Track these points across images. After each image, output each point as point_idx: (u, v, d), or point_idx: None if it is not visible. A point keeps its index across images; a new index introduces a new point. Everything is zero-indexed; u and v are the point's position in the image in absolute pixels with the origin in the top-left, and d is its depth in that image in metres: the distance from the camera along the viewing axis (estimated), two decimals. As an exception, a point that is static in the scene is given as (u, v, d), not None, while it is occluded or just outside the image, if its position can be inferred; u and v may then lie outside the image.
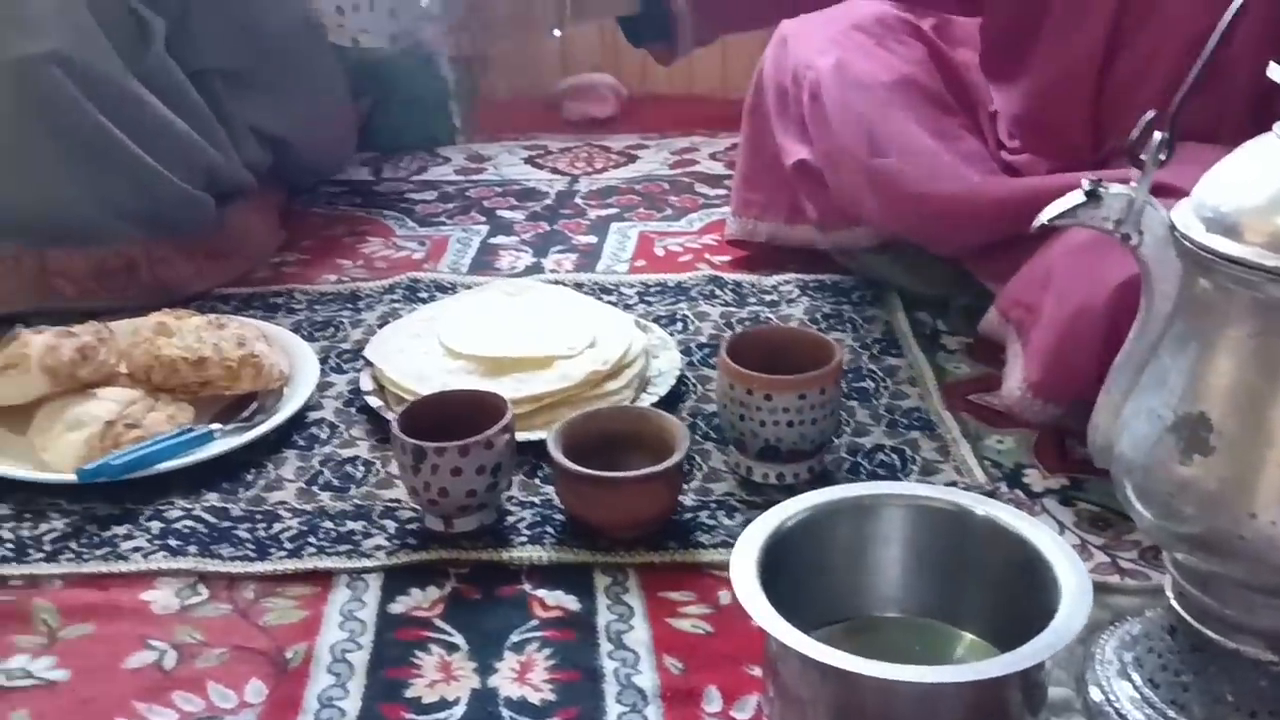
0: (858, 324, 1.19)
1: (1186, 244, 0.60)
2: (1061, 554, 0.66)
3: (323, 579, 0.85)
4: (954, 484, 0.93)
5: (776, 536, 0.70)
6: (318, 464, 0.98)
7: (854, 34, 1.28)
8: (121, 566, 0.86)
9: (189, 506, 0.92)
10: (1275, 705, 0.64)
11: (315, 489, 0.95)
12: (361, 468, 0.98)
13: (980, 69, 1.24)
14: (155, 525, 0.90)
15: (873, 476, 0.95)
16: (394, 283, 1.29)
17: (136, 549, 0.87)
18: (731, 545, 0.85)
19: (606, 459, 0.89)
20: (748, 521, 0.88)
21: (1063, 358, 0.90)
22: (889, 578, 0.73)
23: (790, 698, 0.64)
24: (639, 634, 0.79)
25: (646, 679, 0.75)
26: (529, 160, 1.72)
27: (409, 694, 0.74)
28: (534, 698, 0.74)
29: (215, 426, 0.99)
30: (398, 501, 0.93)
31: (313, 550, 0.87)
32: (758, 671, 0.74)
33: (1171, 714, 0.66)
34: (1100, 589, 0.73)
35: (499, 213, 1.52)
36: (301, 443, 1.01)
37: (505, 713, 0.73)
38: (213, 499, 0.93)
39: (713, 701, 0.73)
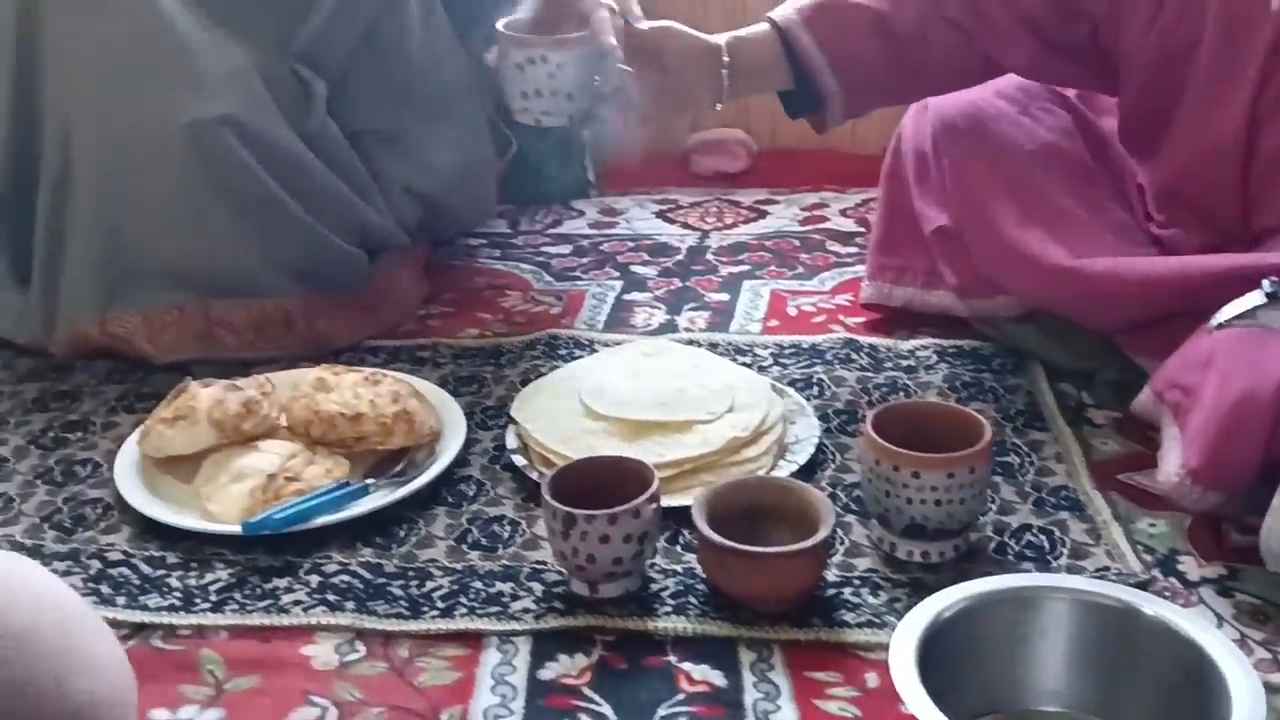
0: (999, 394, 1.18)
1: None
2: (1233, 659, 0.65)
3: (473, 640, 0.87)
4: (1106, 569, 0.91)
5: (935, 624, 0.70)
6: (466, 522, 1.01)
7: (997, 101, 1.27)
8: (283, 620, 0.89)
9: (345, 561, 0.96)
10: None
11: (464, 547, 0.97)
12: (508, 527, 1.00)
13: (1120, 142, 1.22)
14: (314, 579, 0.93)
15: (1020, 558, 0.93)
16: (535, 339, 1.32)
17: (297, 602, 0.91)
18: (877, 625, 0.86)
19: (748, 530, 0.90)
20: (892, 600, 0.89)
21: (1225, 446, 0.88)
22: (1048, 671, 0.72)
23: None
24: (786, 714, 0.79)
25: (794, 760, 0.75)
26: (660, 214, 1.74)
27: (561, 763, 0.76)
28: (683, 773, 0.74)
29: (370, 481, 1.03)
30: (544, 563, 0.95)
31: (464, 611, 0.90)
32: (908, 759, 0.73)
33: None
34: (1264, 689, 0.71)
35: (632, 268, 1.55)
36: (450, 499, 1.04)
37: (655, 787, 0.74)
38: (367, 554, 0.97)
39: (862, 787, 0.73)
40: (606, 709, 0.80)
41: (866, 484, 0.94)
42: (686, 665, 0.84)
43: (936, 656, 0.68)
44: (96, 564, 0.96)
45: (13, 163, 1.27)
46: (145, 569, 0.95)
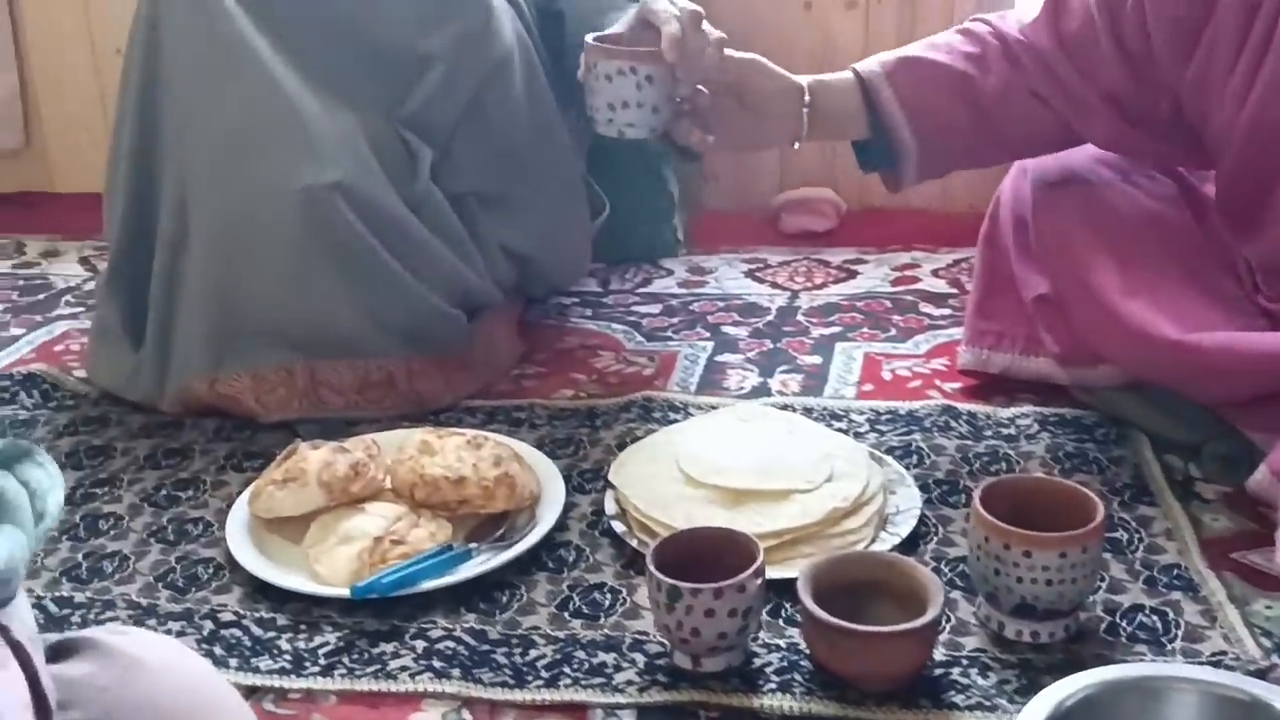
0: (1104, 465, 1.16)
1: None
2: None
3: (578, 711, 0.87)
4: (1223, 654, 0.89)
5: (1057, 713, 0.69)
6: (567, 589, 1.01)
7: (1099, 168, 1.27)
8: (391, 686, 0.90)
9: (450, 627, 0.97)
10: None
11: (566, 615, 0.98)
12: (609, 595, 1.00)
13: (1219, 216, 1.20)
14: (420, 644, 0.95)
15: (1133, 639, 0.91)
16: (629, 400, 1.33)
17: (404, 668, 0.92)
18: (988, 708, 0.85)
19: (852, 605, 0.89)
20: (1002, 682, 0.88)
21: (1350, 532, 0.85)
22: (1173, 765, 0.70)
23: None
24: (898, 799, 0.78)
25: None
26: (749, 274, 1.75)
27: (669, 842, 0.75)
28: None
29: (473, 545, 1.04)
30: (646, 634, 0.95)
31: (568, 681, 0.90)
32: None
33: None
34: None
35: (723, 328, 1.55)
36: (551, 565, 1.05)
37: None
38: (471, 619, 0.98)
39: None
40: (714, 788, 0.80)
41: (974, 561, 0.93)
42: (793, 744, 0.83)
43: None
44: (209, 624, 0.98)
45: (131, 225, 1.32)
46: (256, 630, 0.97)
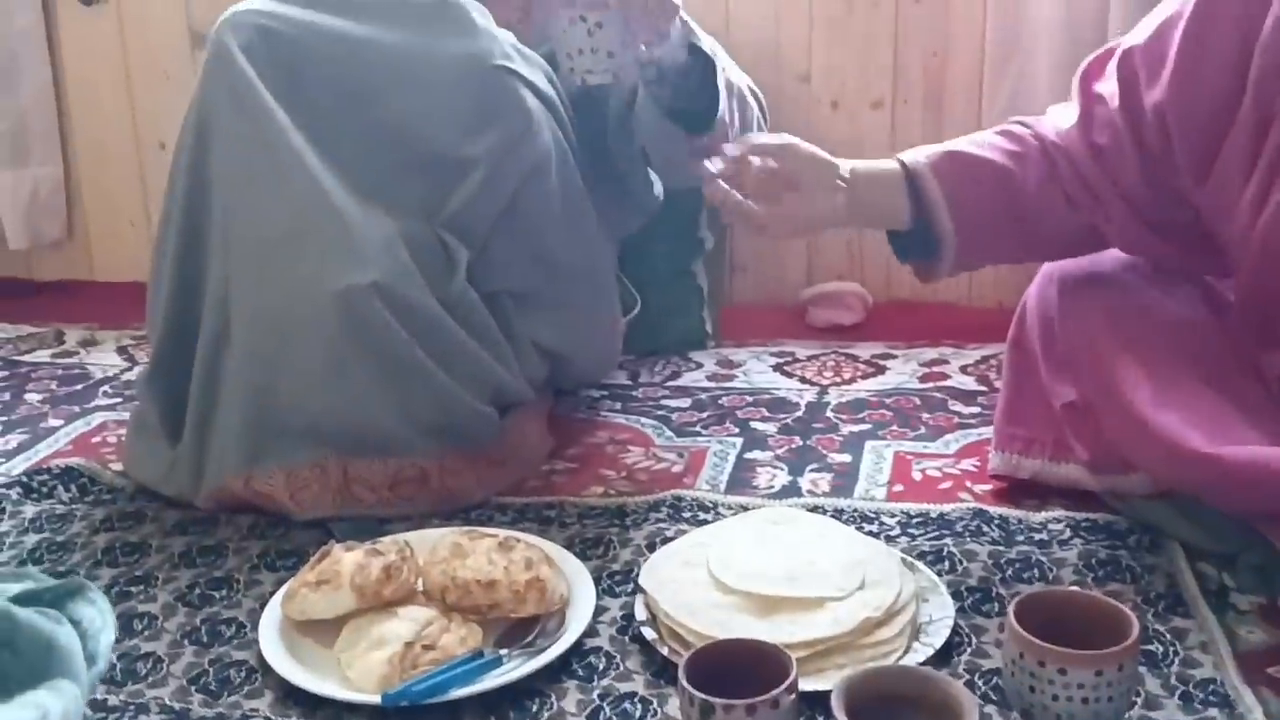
0: (1137, 573, 1.15)
1: None
2: None
3: (610, 827, 0.87)
4: (1264, 778, 0.87)
5: None
6: (598, 698, 1.01)
7: (1124, 272, 1.28)
8: (422, 797, 0.90)
9: (481, 735, 0.96)
10: None
11: (597, 726, 0.97)
12: (640, 705, 1.00)
13: (1239, 324, 1.20)
14: (451, 754, 0.94)
15: (1171, 760, 0.90)
16: (659, 499, 1.33)
17: (435, 778, 0.92)
18: (1026, 832, 0.83)
19: (887, 719, 0.89)
20: (1043, 807, 0.86)
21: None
22: None
23: None
24: None
25: None
26: (778, 368, 1.76)
27: None
28: None
29: (504, 652, 1.04)
30: (677, 746, 0.94)
31: (600, 795, 0.89)
32: None
33: None
34: None
35: (752, 424, 1.56)
36: (581, 672, 1.04)
37: None
38: (502, 729, 0.97)
39: None
40: None
41: (1009, 677, 0.92)
42: None
43: None
44: (241, 730, 0.98)
45: (174, 322, 1.35)
46: (288, 736, 0.97)
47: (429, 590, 1.10)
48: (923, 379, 1.69)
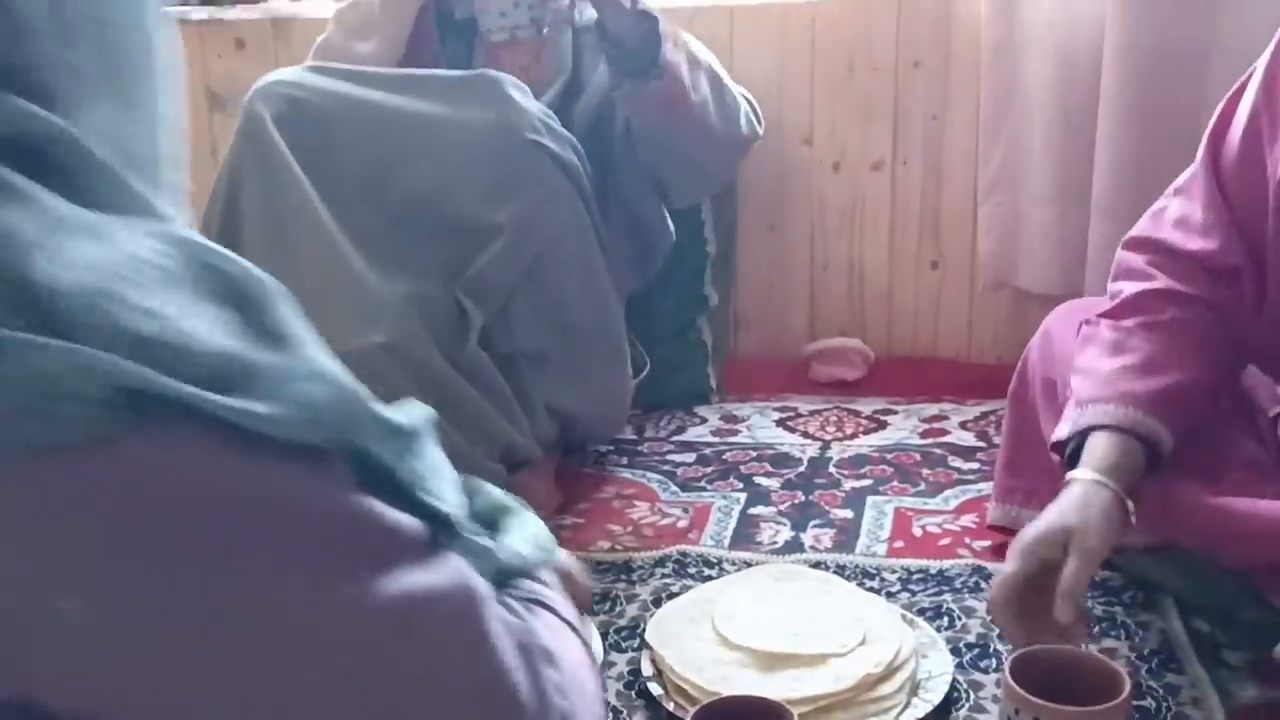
0: (1131, 629, 1.17)
1: None
2: None
3: None
4: (1255, 834, 0.90)
5: None
6: (605, 752, 1.03)
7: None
8: None
9: (491, 789, 0.99)
10: None
11: (604, 780, 1.00)
12: (646, 760, 1.03)
13: (1263, 370, 1.23)
14: (462, 807, 0.96)
15: (1164, 816, 0.92)
16: (664, 555, 1.36)
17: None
18: None
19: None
20: None
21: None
22: None
23: None
24: None
25: None
26: (781, 423, 1.79)
27: None
28: None
29: (513, 707, 1.07)
30: (683, 800, 0.97)
31: None
32: None
33: None
34: None
35: (756, 479, 1.59)
36: (588, 727, 1.07)
37: None
38: (511, 783, 0.99)
39: None
40: None
41: (1005, 733, 0.95)
42: None
43: None
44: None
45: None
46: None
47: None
48: (923, 435, 1.72)
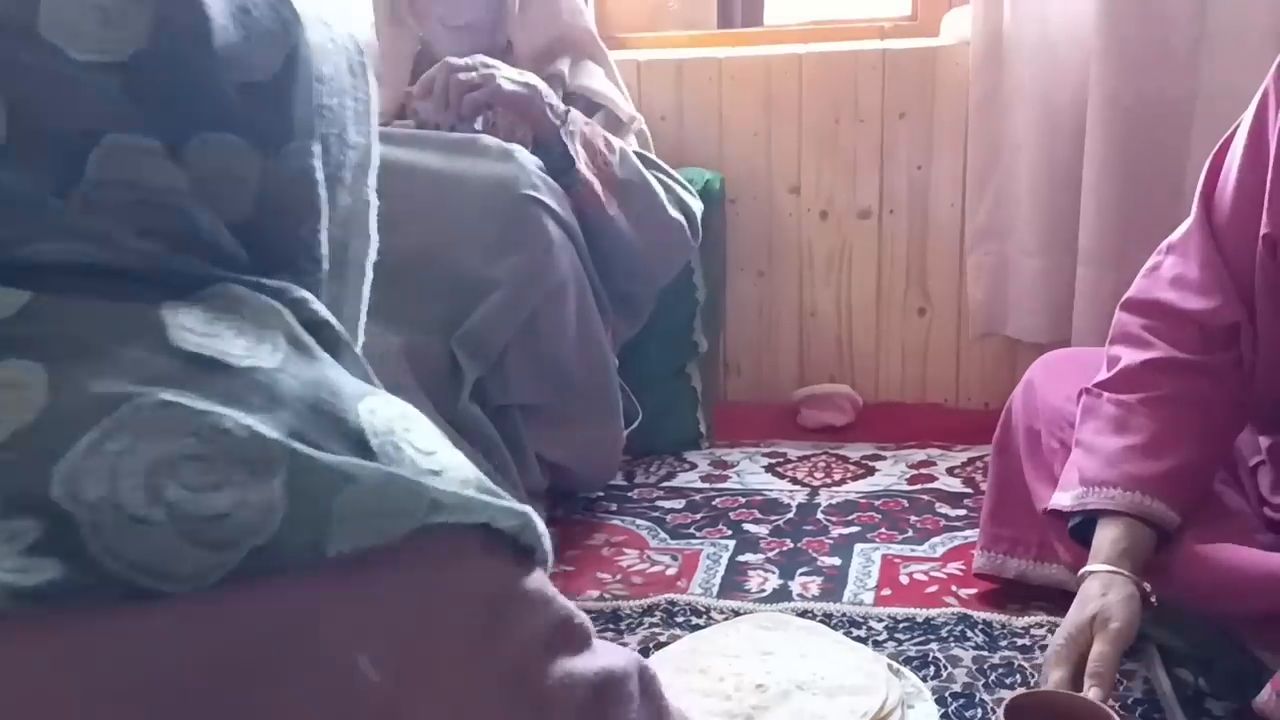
0: (1116, 679, 1.18)
1: None
2: None
3: None
4: None
5: None
6: (592, 804, 1.04)
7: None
8: None
9: (478, 843, 0.99)
10: None
11: (591, 832, 1.00)
12: (633, 811, 1.03)
13: (1251, 422, 1.24)
14: None
15: None
16: (652, 604, 1.37)
17: None
18: None
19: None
20: None
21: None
22: None
23: None
24: None
25: None
26: (770, 468, 1.81)
27: None
28: None
29: (500, 759, 1.07)
30: None
31: None
32: None
33: None
34: None
35: (745, 526, 1.60)
36: (576, 778, 1.07)
37: None
38: (498, 836, 1.00)
39: None
40: None
41: (989, 784, 0.95)
42: None
43: None
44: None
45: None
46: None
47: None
48: (911, 481, 1.73)
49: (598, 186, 1.55)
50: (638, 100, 1.90)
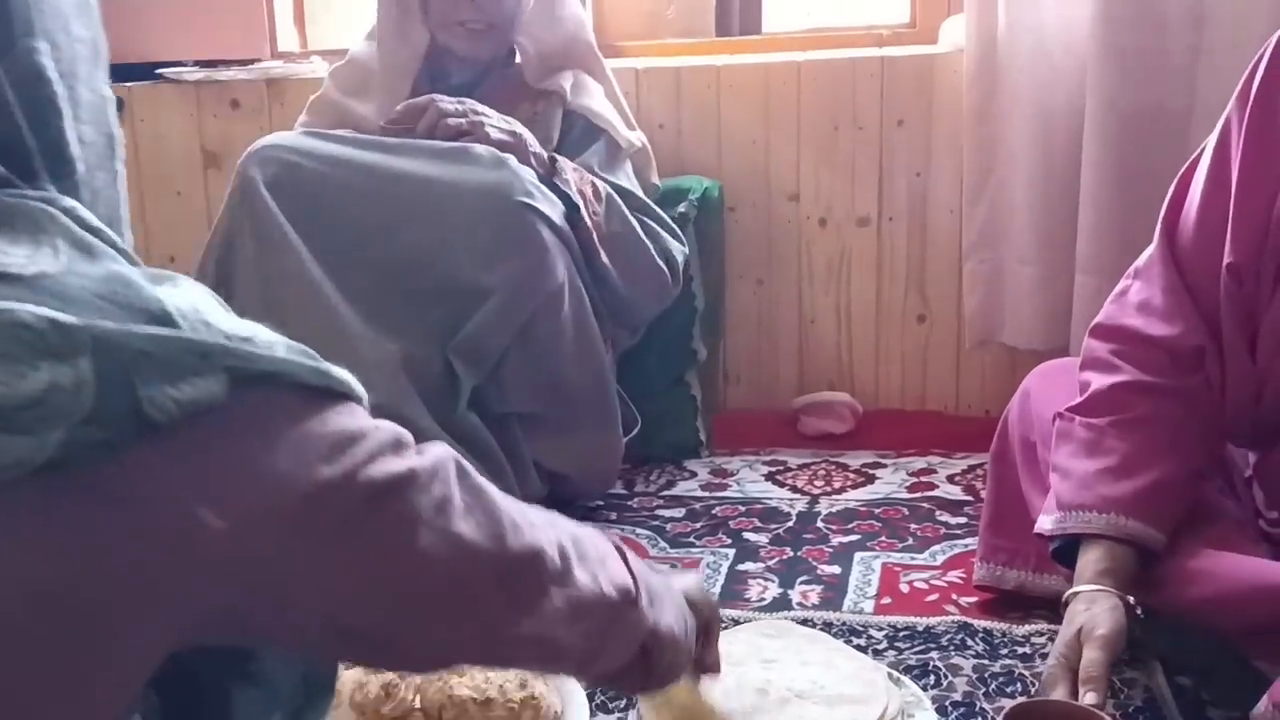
0: (1115, 688, 1.17)
1: None
2: None
3: None
4: None
5: None
6: (591, 815, 1.03)
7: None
8: None
9: None
10: None
11: (590, 844, 1.00)
12: (632, 823, 1.03)
13: (1233, 443, 1.24)
14: None
15: None
16: (652, 613, 1.37)
17: None
18: None
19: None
20: None
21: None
22: None
23: None
24: None
25: None
26: (769, 477, 1.80)
27: None
28: None
29: (499, 771, 1.07)
30: None
31: None
32: None
33: None
34: None
35: (745, 534, 1.60)
36: (575, 789, 1.07)
37: None
38: None
39: None
40: None
41: (990, 795, 0.95)
42: None
43: None
44: None
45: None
46: None
47: (426, 708, 1.12)
48: (911, 489, 1.73)
49: (595, 236, 1.55)
50: (636, 108, 1.90)
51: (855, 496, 1.71)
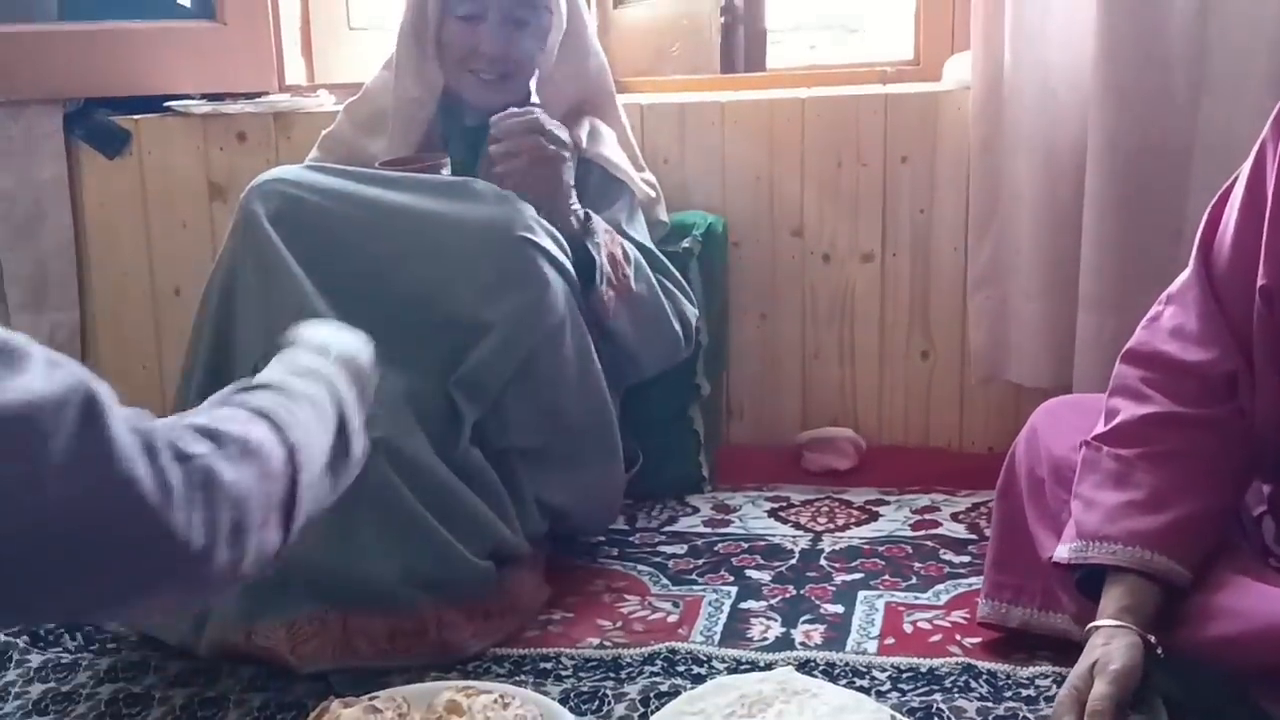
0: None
1: None
2: None
3: None
4: None
5: None
6: None
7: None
8: None
9: None
10: None
11: None
12: None
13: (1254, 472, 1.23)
14: None
15: None
16: (653, 652, 1.35)
17: None
18: None
19: None
20: None
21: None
22: None
23: None
24: None
25: None
26: (772, 513, 1.79)
27: None
28: None
29: (497, 813, 1.06)
30: None
31: None
32: None
33: None
34: None
35: (747, 572, 1.59)
36: (573, 833, 1.06)
37: None
38: None
39: None
40: None
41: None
42: None
43: None
44: None
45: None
46: None
47: (424, 750, 1.12)
48: (915, 526, 1.72)
49: (610, 297, 1.54)
50: (641, 144, 1.91)
51: (859, 534, 1.70)
